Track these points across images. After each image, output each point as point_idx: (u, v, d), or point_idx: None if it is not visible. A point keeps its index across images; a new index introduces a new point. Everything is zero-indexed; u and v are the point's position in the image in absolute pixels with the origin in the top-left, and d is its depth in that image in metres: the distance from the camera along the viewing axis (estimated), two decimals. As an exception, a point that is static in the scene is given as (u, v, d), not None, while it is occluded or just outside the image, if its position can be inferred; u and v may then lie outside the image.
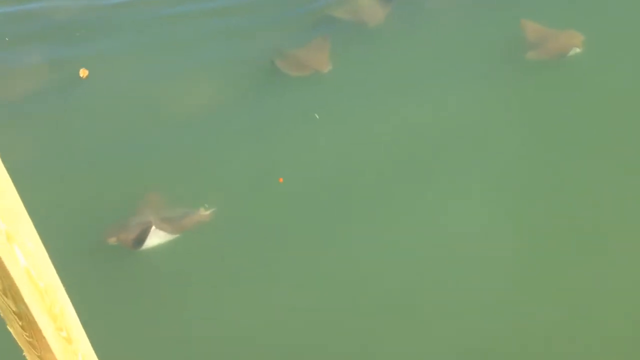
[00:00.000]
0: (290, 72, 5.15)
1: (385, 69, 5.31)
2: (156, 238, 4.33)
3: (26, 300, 1.71)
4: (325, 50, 5.20)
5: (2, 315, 1.82)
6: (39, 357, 1.89)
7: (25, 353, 1.93)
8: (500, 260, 4.17)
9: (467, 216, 4.39)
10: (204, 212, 4.48)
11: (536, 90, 5.05)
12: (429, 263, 4.22)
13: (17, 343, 1.91)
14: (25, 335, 1.84)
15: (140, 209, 4.55)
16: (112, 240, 4.39)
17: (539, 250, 4.22)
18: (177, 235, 4.39)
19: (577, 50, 4.92)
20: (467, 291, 4.06)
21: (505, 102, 5.01)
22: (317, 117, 5.07)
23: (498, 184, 4.57)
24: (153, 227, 4.28)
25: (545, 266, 4.13)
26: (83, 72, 5.38)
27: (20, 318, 1.79)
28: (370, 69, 5.32)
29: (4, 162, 1.57)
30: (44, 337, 1.82)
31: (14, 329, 1.84)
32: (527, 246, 4.23)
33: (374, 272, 4.22)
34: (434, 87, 5.14)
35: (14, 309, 1.76)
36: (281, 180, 4.81)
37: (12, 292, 1.70)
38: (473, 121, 4.91)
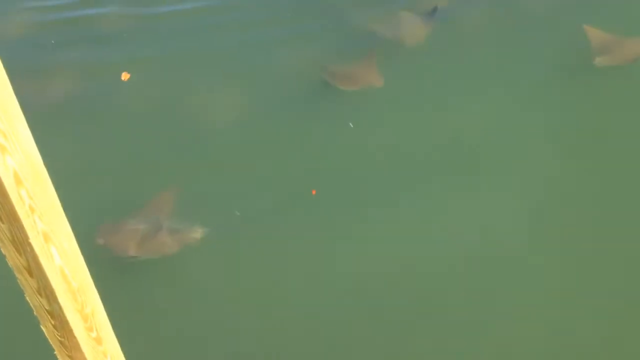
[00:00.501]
0: (342, 86, 5.18)
1: (433, 83, 5.33)
2: (139, 253, 4.33)
3: (59, 299, 1.74)
4: (374, 65, 5.22)
5: (35, 313, 1.85)
6: (69, 356, 1.92)
7: (56, 352, 1.95)
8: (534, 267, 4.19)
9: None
10: (197, 232, 4.41)
11: (607, 97, 5.11)
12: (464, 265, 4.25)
13: (49, 342, 1.93)
14: (57, 334, 1.86)
15: (144, 209, 4.55)
16: (101, 242, 4.34)
17: (574, 259, 4.24)
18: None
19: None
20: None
21: (569, 110, 5.06)
22: (352, 125, 5.08)
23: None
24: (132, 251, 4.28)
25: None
26: (125, 76, 5.47)
27: (52, 317, 1.81)
28: (416, 83, 5.32)
29: (44, 161, 1.60)
30: (74, 337, 1.85)
31: (47, 328, 1.87)
32: (562, 255, 4.26)
33: (404, 273, 4.25)
34: (482, 100, 5.17)
35: (48, 307, 1.78)
36: (314, 192, 4.78)
37: (46, 291, 1.73)
38: (529, 131, 4.96)
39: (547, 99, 5.17)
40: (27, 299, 1.80)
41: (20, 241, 1.63)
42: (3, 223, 1.60)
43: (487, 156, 4.88)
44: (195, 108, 5.27)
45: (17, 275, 1.74)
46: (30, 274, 1.70)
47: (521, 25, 5.65)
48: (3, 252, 1.70)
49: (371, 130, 5.11)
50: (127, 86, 5.48)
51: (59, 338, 1.87)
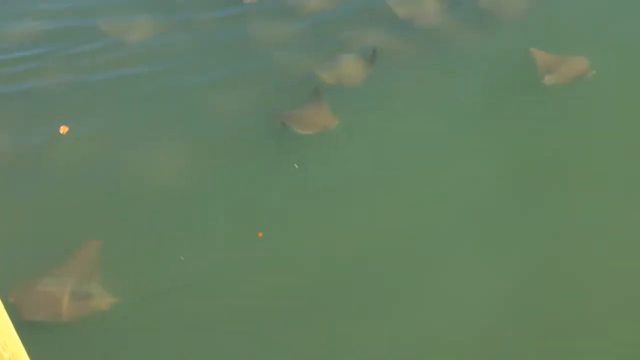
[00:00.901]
0: (300, 129, 5.20)
1: (379, 120, 5.36)
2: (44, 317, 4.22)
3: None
4: (325, 106, 5.29)
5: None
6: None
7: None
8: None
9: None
10: (107, 300, 4.30)
11: (554, 114, 5.25)
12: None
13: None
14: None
15: (65, 265, 4.43)
16: (12, 300, 4.19)
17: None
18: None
19: (593, 72, 5.28)
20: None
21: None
22: (297, 167, 5.05)
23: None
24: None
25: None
26: (63, 129, 5.38)
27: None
28: (360, 122, 5.33)
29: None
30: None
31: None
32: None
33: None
34: (430, 130, 5.24)
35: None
36: (260, 234, 4.71)
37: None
38: (478, 153, 5.03)
39: (495, 119, 5.27)
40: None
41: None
42: None
43: (439, 183, 4.89)
44: (133, 161, 5.17)
45: None
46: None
47: (460, 54, 5.77)
48: None
49: (316, 170, 5.08)
50: (64, 140, 5.35)
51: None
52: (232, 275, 4.49)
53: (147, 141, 5.27)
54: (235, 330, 4.24)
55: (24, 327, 3.84)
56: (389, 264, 4.48)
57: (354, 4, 6.27)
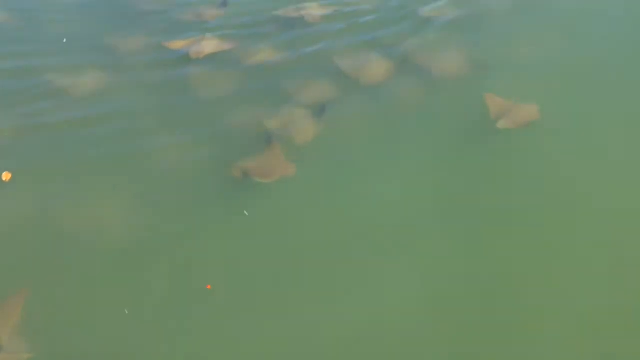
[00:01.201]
0: (262, 179, 5.08)
1: (335, 170, 5.29)
2: None
3: None
4: (281, 155, 5.25)
5: None
6: None
7: None
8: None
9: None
10: (20, 356, 4.00)
11: (506, 158, 5.34)
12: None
13: None
14: None
15: None
16: None
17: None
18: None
19: (538, 119, 5.50)
20: None
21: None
22: (247, 213, 4.90)
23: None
24: None
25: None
26: (6, 176, 5.18)
27: None
28: (312, 173, 5.23)
29: None
30: None
31: None
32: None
33: None
34: (381, 180, 5.18)
35: None
36: (209, 287, 4.47)
37: None
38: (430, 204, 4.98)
39: (444, 167, 5.26)
40: None
41: None
42: None
43: (395, 235, 4.79)
44: (77, 214, 4.93)
45: None
46: None
47: (407, 106, 5.79)
48: None
49: (267, 220, 4.91)
50: (6, 187, 5.11)
51: None
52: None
53: (89, 194, 5.08)
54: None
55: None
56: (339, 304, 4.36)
57: (301, 59, 6.33)
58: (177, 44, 6.41)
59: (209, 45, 6.35)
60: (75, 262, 4.60)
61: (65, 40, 6.64)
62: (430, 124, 5.59)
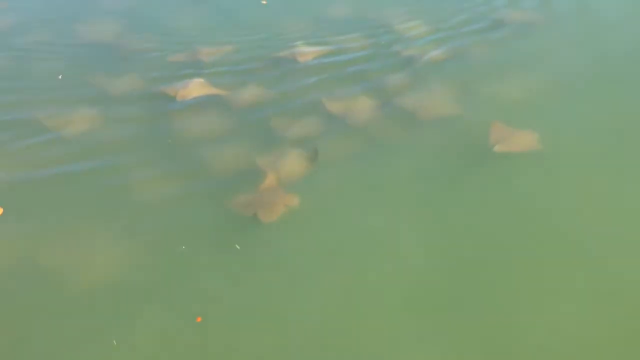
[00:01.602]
0: (264, 218, 5.09)
1: (327, 206, 5.31)
2: None
3: None
4: (279, 189, 5.34)
5: None
6: None
7: None
8: None
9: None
10: None
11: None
12: None
13: None
14: None
15: None
16: None
17: None
18: None
19: (538, 147, 5.66)
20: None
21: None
22: (238, 247, 4.91)
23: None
24: None
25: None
26: None
27: None
28: (312, 211, 5.25)
29: None
30: None
31: None
32: None
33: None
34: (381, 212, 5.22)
35: None
36: (199, 319, 4.47)
37: None
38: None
39: (434, 205, 5.31)
40: None
41: None
42: None
43: (381, 270, 4.80)
44: (68, 255, 4.90)
45: None
46: None
47: (395, 144, 5.88)
48: None
49: (258, 252, 4.93)
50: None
51: None
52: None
53: (81, 235, 5.06)
54: None
55: None
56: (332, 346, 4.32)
57: (290, 98, 6.43)
58: (166, 88, 6.49)
59: (196, 88, 6.43)
60: (57, 300, 4.58)
61: (60, 77, 6.77)
62: (418, 158, 5.68)
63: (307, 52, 7.13)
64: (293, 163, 5.60)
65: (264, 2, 8.76)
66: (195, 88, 6.42)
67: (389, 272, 4.75)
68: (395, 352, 4.28)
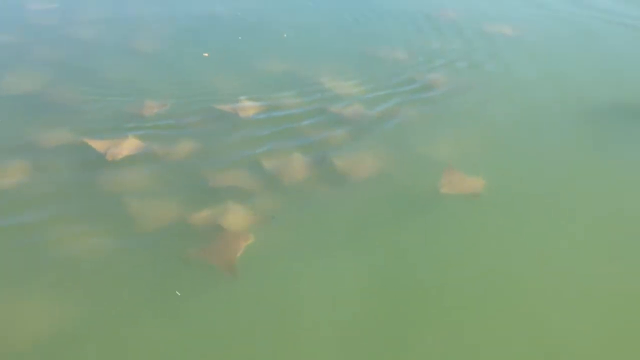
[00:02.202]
0: (226, 271, 5.08)
1: (271, 261, 5.28)
2: None
3: None
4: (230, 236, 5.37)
5: None
6: None
7: None
8: None
9: None
10: None
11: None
12: None
13: None
14: None
15: None
16: None
17: None
18: None
19: (482, 192, 5.96)
20: None
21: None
22: (179, 294, 4.88)
23: None
24: None
25: None
26: None
27: None
28: (255, 263, 5.22)
29: None
30: None
31: None
32: None
33: None
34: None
35: None
36: None
37: None
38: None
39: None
40: None
41: None
42: None
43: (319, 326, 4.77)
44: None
45: None
46: None
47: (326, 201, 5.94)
48: None
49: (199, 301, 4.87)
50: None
51: None
52: None
53: (14, 291, 4.91)
54: None
55: None
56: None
57: (221, 152, 6.46)
58: (98, 143, 6.38)
59: (128, 146, 6.36)
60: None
61: None
62: (352, 210, 5.74)
63: (248, 107, 7.19)
64: (233, 217, 5.56)
65: (206, 54, 8.93)
66: (127, 146, 6.34)
67: (325, 315, 4.77)
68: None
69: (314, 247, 5.36)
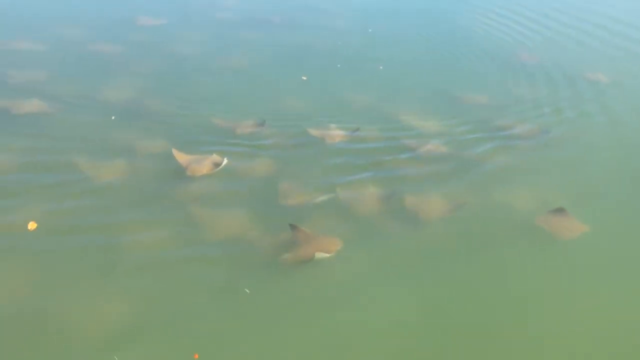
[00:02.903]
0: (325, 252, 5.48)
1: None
2: None
3: None
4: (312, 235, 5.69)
5: None
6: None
7: None
8: None
9: None
10: None
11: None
12: None
13: None
14: None
15: None
16: None
17: None
18: None
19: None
20: None
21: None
22: (248, 291, 5.12)
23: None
24: None
25: None
26: (32, 225, 5.60)
27: None
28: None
29: None
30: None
31: None
32: None
33: None
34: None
35: None
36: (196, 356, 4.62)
37: None
38: None
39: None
40: None
41: None
42: None
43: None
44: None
45: None
46: None
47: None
48: None
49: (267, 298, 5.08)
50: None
51: None
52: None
53: (93, 284, 5.21)
54: None
55: None
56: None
57: (301, 175, 6.66)
58: (184, 157, 6.66)
59: (208, 165, 6.59)
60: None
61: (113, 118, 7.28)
62: (423, 251, 5.73)
63: (335, 135, 7.39)
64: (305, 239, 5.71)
65: (304, 77, 9.30)
66: (207, 165, 6.56)
67: (380, 340, 4.85)
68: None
69: (381, 274, 5.43)
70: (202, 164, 6.61)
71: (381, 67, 9.79)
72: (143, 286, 5.18)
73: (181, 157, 6.69)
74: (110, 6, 12.01)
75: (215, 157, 6.75)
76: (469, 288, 5.32)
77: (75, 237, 5.60)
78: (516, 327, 4.98)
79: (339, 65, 9.78)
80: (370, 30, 11.74)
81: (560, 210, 6.06)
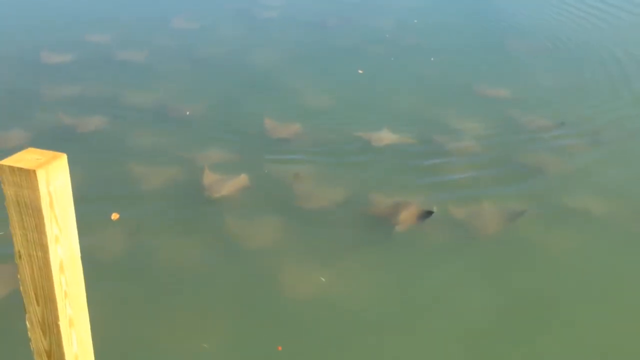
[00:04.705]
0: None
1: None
2: None
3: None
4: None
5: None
6: None
7: None
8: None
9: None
10: None
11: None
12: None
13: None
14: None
15: None
16: None
17: None
18: None
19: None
20: None
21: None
22: (323, 279, 5.43)
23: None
24: None
25: None
26: (114, 216, 6.03)
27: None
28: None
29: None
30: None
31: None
32: None
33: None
34: None
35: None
36: (280, 348, 4.86)
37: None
38: None
39: None
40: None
41: (49, 323, 1.94)
42: (38, 305, 1.92)
43: None
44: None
45: (37, 359, 2.00)
46: (50, 357, 1.98)
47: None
48: (29, 335, 1.98)
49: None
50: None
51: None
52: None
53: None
54: None
55: None
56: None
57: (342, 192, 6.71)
58: (210, 176, 6.63)
59: (234, 184, 6.55)
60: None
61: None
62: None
63: (382, 138, 7.49)
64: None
65: (360, 71, 9.64)
66: (233, 185, 6.52)
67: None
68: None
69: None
70: (227, 185, 6.53)
71: (432, 59, 10.09)
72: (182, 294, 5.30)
73: (208, 177, 6.61)
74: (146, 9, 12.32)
75: (242, 178, 6.64)
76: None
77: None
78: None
79: (392, 59, 10.12)
80: (415, 21, 11.96)
81: None
